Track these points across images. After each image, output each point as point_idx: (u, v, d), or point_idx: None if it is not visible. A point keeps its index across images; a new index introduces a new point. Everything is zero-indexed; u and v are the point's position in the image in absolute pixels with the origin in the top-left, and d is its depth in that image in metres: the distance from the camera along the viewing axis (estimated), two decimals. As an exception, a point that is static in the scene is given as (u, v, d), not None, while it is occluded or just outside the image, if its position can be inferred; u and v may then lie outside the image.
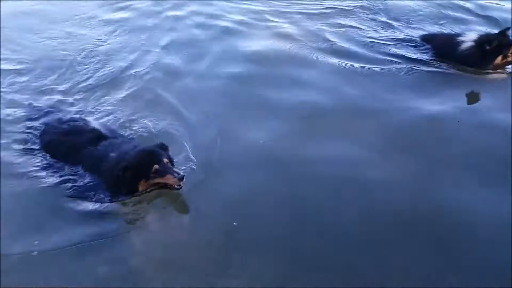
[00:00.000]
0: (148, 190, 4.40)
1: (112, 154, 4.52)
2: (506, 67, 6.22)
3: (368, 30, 7.42)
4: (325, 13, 8.09)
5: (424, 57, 6.60)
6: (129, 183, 4.30)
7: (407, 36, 7.14)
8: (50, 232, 4.14)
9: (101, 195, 4.45)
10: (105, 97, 5.96)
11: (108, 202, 4.39)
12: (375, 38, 7.17)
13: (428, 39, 6.83)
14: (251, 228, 4.21)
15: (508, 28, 6.14)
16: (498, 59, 6.09)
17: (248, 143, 5.17)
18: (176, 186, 4.35)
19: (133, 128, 5.40)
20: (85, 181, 4.58)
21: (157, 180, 4.34)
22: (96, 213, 4.32)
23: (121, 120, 5.54)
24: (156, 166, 4.29)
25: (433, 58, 6.54)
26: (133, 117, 5.59)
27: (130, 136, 5.19)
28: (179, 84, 6.31)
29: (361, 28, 7.48)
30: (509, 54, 6.06)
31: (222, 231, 4.18)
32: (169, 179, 4.30)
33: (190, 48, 7.19)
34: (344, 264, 3.89)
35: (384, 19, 7.75)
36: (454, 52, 6.27)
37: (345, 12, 8.04)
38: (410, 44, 6.91)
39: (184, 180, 4.31)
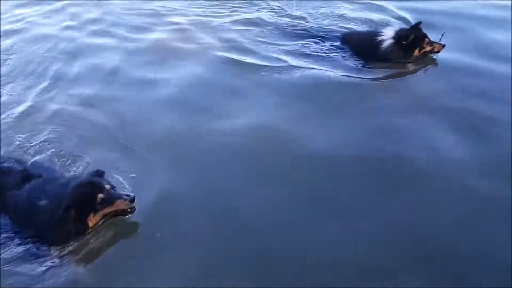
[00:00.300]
0: (100, 223, 3.89)
1: (42, 203, 3.90)
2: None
3: (272, 35, 7.30)
4: (224, 16, 7.92)
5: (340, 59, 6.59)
6: (77, 223, 3.78)
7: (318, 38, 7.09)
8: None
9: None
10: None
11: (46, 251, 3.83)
12: (276, 43, 7.07)
13: (346, 40, 6.89)
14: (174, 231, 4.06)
15: (420, 22, 6.47)
16: (416, 52, 6.36)
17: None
18: (129, 210, 3.91)
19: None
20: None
21: (107, 210, 3.85)
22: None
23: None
24: (100, 195, 3.81)
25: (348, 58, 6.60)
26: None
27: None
28: (87, 106, 5.84)
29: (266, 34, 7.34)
30: (425, 45, 6.34)
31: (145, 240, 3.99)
32: (120, 204, 3.87)
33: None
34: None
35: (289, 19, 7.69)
36: (376, 52, 6.39)
37: (247, 18, 7.87)
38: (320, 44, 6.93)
39: (135, 201, 3.87)
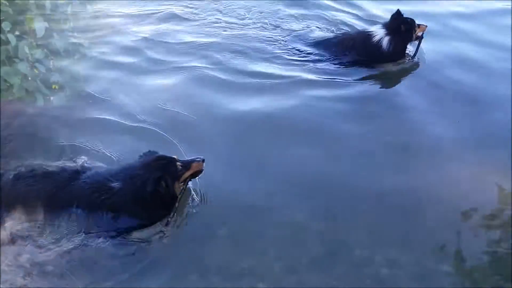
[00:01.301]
0: (183, 191, 4.16)
1: (115, 184, 4.00)
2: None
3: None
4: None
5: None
6: (168, 193, 3.99)
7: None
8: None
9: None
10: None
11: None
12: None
13: (350, 46, 6.56)
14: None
15: (398, 10, 6.35)
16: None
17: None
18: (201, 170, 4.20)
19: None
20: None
21: (186, 175, 4.11)
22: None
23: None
24: (178, 162, 4.10)
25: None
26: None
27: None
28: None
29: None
30: (416, 28, 6.36)
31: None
32: (195, 166, 4.15)
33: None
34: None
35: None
36: (380, 54, 6.35)
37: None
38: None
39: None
